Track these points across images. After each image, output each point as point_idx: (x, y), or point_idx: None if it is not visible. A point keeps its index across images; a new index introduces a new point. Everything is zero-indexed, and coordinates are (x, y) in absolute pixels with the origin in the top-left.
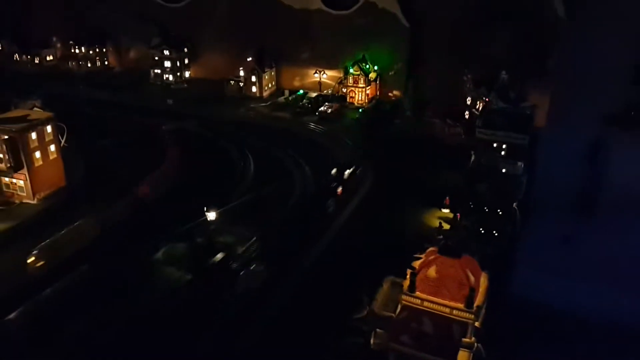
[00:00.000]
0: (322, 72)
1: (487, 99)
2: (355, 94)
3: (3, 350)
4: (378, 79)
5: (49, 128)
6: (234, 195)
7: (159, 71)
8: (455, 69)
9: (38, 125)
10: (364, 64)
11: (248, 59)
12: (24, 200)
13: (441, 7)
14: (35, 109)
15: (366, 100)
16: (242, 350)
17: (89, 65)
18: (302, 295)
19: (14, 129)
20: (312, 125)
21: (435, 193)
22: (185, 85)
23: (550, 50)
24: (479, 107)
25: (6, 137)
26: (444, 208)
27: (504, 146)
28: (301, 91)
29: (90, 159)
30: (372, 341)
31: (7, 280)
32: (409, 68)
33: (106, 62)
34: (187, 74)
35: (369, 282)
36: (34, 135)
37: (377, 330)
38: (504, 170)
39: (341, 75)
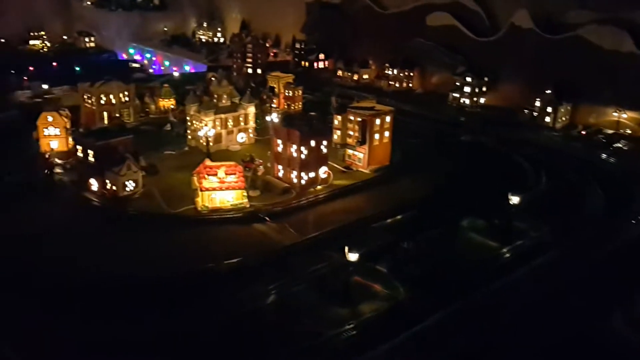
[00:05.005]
0: (622, 112)
1: None
2: None
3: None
4: None
5: (388, 118)
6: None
7: (457, 95)
8: None
9: (382, 114)
10: None
11: (547, 91)
12: (359, 169)
13: None
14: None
15: None
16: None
17: (396, 85)
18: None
19: (366, 114)
20: (603, 156)
21: None
22: (479, 109)
23: None
24: None
25: (360, 119)
26: None
27: None
28: None
29: (405, 150)
30: None
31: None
32: None
33: (410, 84)
34: (482, 100)
35: None
36: (377, 121)
37: None
38: None
39: None
